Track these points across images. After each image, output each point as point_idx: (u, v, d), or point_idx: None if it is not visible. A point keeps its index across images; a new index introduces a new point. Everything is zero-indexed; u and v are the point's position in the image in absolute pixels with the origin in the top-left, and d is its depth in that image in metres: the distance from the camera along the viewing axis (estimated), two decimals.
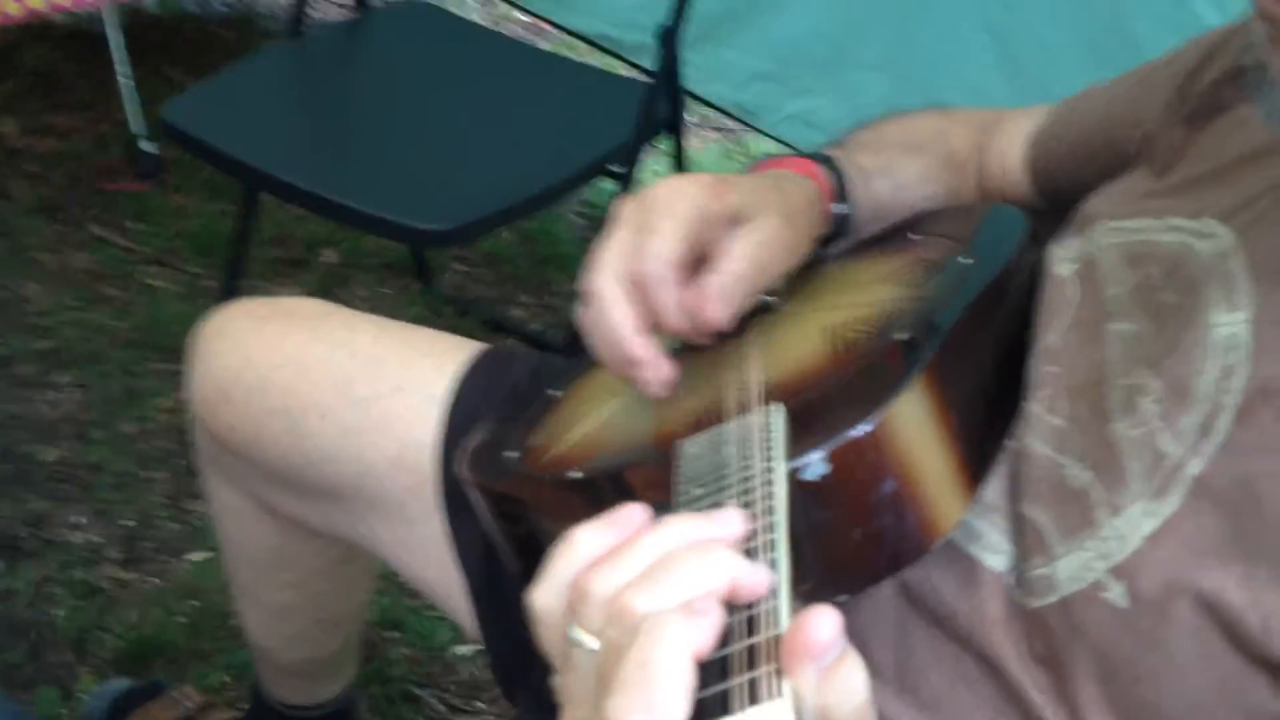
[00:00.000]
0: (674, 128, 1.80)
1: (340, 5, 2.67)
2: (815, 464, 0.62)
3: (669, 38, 1.65)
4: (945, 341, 0.69)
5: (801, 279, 0.81)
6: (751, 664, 0.44)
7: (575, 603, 0.48)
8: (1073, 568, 0.67)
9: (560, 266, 2.21)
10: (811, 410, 0.65)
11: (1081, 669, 0.66)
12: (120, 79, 2.20)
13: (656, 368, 0.71)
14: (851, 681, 0.43)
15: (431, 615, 1.58)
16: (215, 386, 1.03)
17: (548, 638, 0.50)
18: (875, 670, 0.71)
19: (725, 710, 0.43)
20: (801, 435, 0.63)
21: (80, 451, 1.74)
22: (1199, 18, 1.56)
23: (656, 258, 0.71)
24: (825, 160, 0.88)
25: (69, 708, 1.44)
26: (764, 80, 2.17)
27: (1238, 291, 0.68)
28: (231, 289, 1.80)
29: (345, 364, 1.00)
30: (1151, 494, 0.65)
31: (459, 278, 2.18)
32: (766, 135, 2.29)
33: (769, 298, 0.79)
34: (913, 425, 0.65)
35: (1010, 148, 0.97)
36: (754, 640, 0.45)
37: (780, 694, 0.42)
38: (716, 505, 0.56)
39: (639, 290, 0.72)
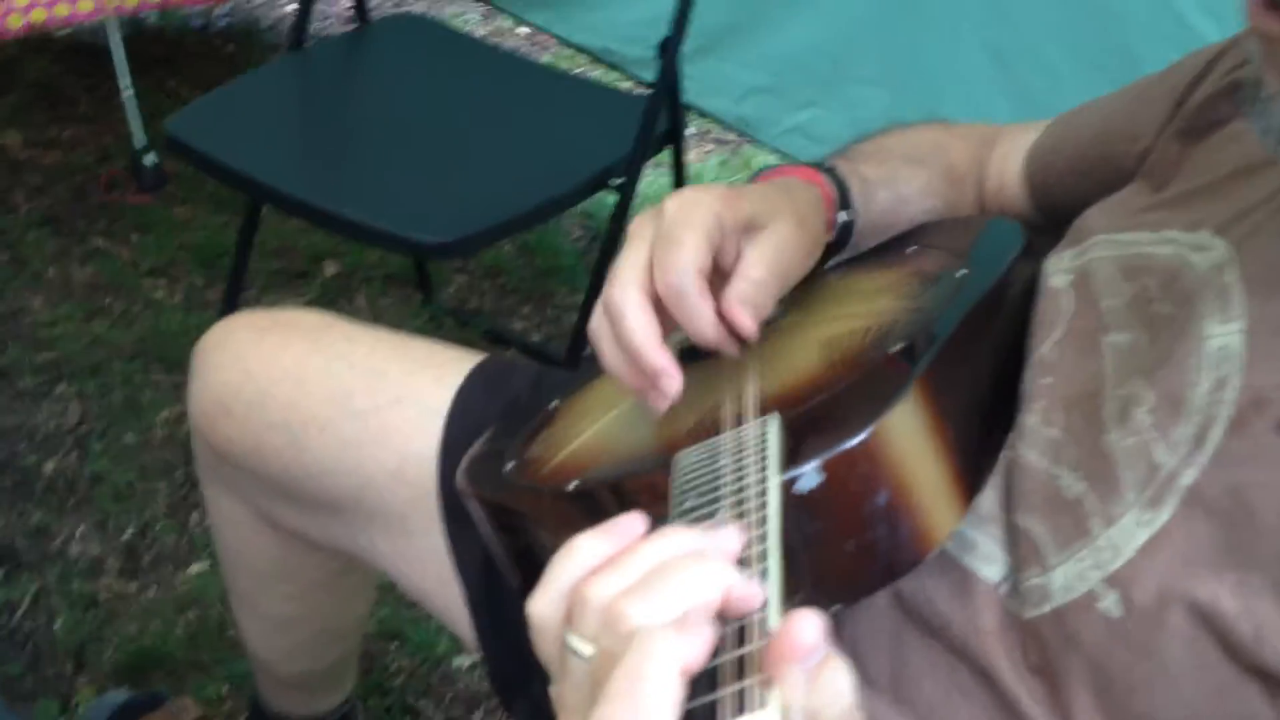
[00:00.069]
0: (674, 141, 1.81)
1: (342, 19, 2.68)
2: (809, 475, 0.63)
3: (669, 51, 1.65)
4: (940, 353, 0.69)
5: (800, 290, 0.82)
6: (740, 674, 0.44)
7: (573, 609, 0.48)
8: (1067, 578, 0.67)
9: (561, 278, 2.22)
10: (807, 421, 0.66)
11: (1076, 679, 0.66)
12: (123, 92, 2.21)
13: (675, 376, 0.71)
14: (837, 684, 0.43)
15: (431, 626, 1.58)
16: (215, 399, 1.03)
17: (545, 646, 0.51)
18: (870, 680, 0.72)
19: None
20: (796, 446, 0.63)
21: (81, 463, 1.75)
22: (1197, 33, 1.57)
23: (685, 270, 0.71)
24: (828, 170, 0.89)
25: (68, 719, 1.44)
26: (764, 93, 2.19)
27: (1232, 303, 0.69)
28: (233, 301, 1.81)
29: (344, 376, 1.00)
30: (1145, 504, 0.66)
31: (460, 289, 2.19)
32: (767, 148, 2.30)
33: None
34: (907, 437, 0.65)
35: (1008, 162, 0.98)
36: (744, 651, 0.46)
37: (766, 704, 0.42)
38: (711, 516, 0.57)
39: (666, 302, 0.72)
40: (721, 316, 0.72)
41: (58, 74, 2.49)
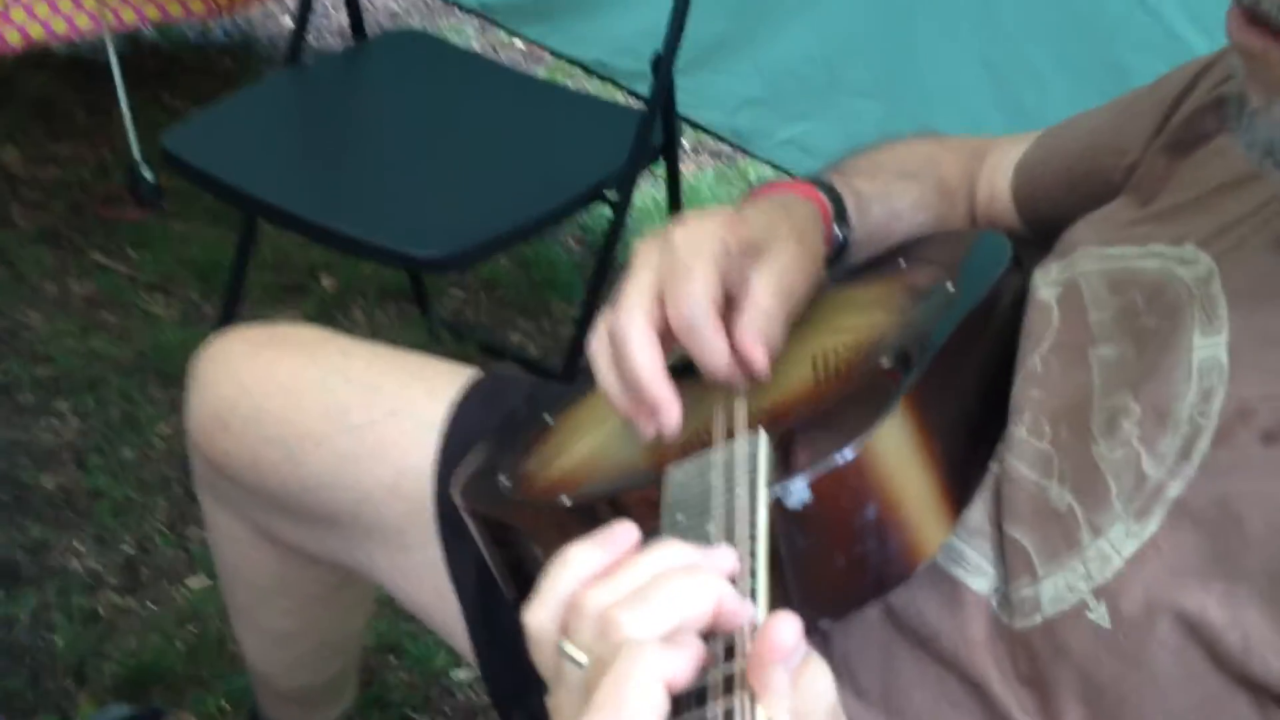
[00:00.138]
0: (669, 153, 1.82)
1: (338, 35, 2.69)
2: (798, 491, 0.63)
3: (663, 65, 1.66)
4: (928, 368, 0.70)
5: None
6: (728, 690, 0.45)
7: (569, 619, 0.50)
8: (1056, 589, 0.68)
9: (557, 292, 2.22)
10: (796, 437, 0.67)
11: (1065, 690, 0.67)
12: (120, 107, 2.22)
13: (675, 411, 0.71)
14: (818, 684, 0.45)
15: (429, 640, 1.58)
16: (212, 414, 1.04)
17: (542, 655, 0.52)
18: (862, 692, 0.73)
19: None
20: (786, 462, 0.64)
21: (80, 478, 1.75)
22: (1186, 45, 1.58)
23: (699, 302, 0.70)
24: (824, 186, 0.89)
25: None
26: (758, 106, 2.19)
27: (1217, 316, 0.70)
28: (230, 315, 1.82)
29: (340, 390, 1.00)
30: (1133, 515, 0.66)
31: (457, 303, 2.20)
32: (761, 160, 2.30)
33: None
34: (895, 452, 0.66)
35: (998, 175, 0.99)
36: (731, 667, 0.47)
37: (755, 718, 0.43)
38: (702, 530, 0.58)
39: (678, 334, 0.71)
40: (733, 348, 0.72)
41: (55, 90, 2.49)
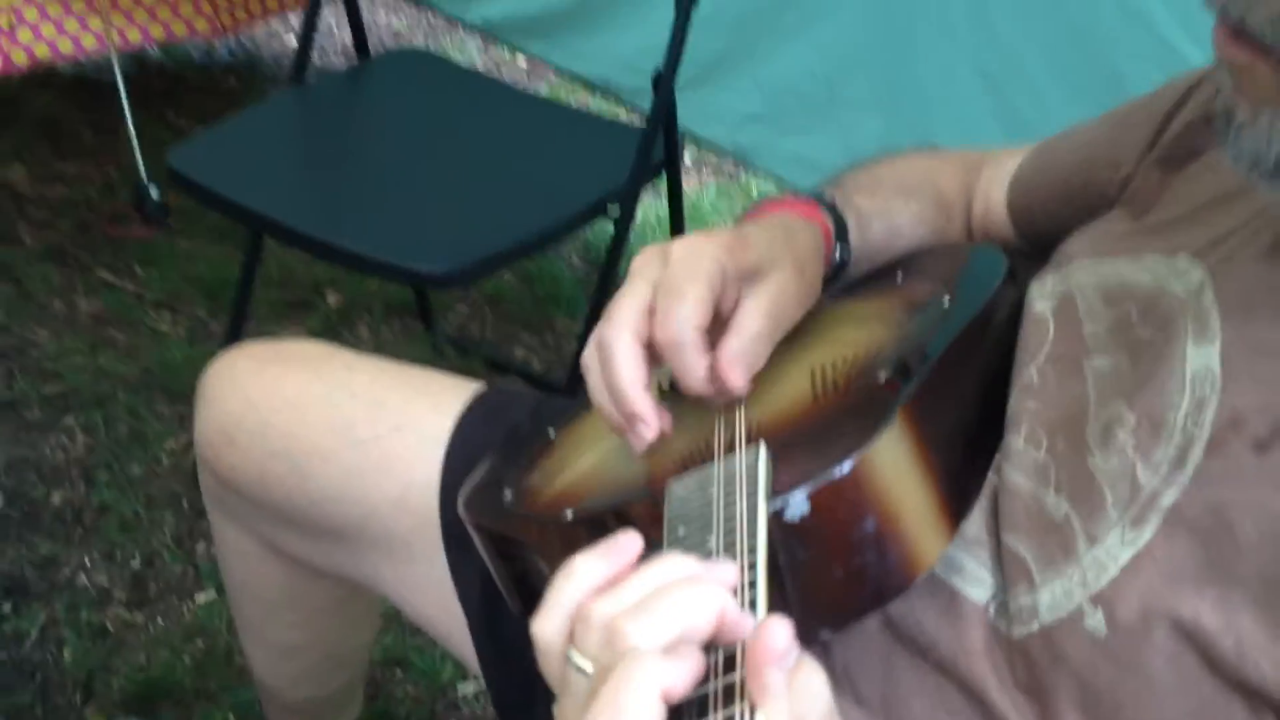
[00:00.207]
0: (671, 169, 1.83)
1: (342, 54, 2.70)
2: (797, 504, 0.64)
3: (664, 82, 1.67)
4: (925, 381, 0.71)
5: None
6: (728, 700, 0.46)
7: (575, 628, 0.51)
8: (1054, 597, 0.69)
9: (561, 307, 2.23)
10: (794, 450, 0.67)
11: (1063, 697, 0.68)
12: (126, 126, 2.23)
13: (652, 424, 0.73)
14: (813, 685, 0.46)
15: (435, 654, 1.59)
16: (219, 429, 1.05)
17: (549, 664, 0.53)
18: (862, 701, 0.73)
19: None
20: (784, 475, 0.65)
21: (88, 494, 1.76)
22: (1181, 56, 1.59)
23: (686, 323, 0.72)
24: (826, 204, 0.90)
25: None
26: (759, 121, 2.21)
27: (1209, 327, 0.71)
28: (237, 332, 1.83)
29: (345, 405, 1.01)
30: (1128, 523, 0.67)
31: (461, 319, 2.21)
32: (764, 175, 2.32)
33: None
34: (892, 464, 0.67)
35: (993, 188, 1.00)
36: (731, 678, 0.48)
37: None
38: (702, 543, 0.59)
39: (663, 351, 0.73)
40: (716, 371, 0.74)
41: (61, 109, 2.50)
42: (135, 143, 2.19)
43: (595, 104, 2.49)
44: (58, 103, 2.51)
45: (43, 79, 2.44)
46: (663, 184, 1.87)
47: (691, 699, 0.47)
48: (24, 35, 2.24)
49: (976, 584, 0.73)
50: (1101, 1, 1.71)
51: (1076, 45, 1.76)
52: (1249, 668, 0.62)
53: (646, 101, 1.71)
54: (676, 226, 1.93)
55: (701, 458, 0.70)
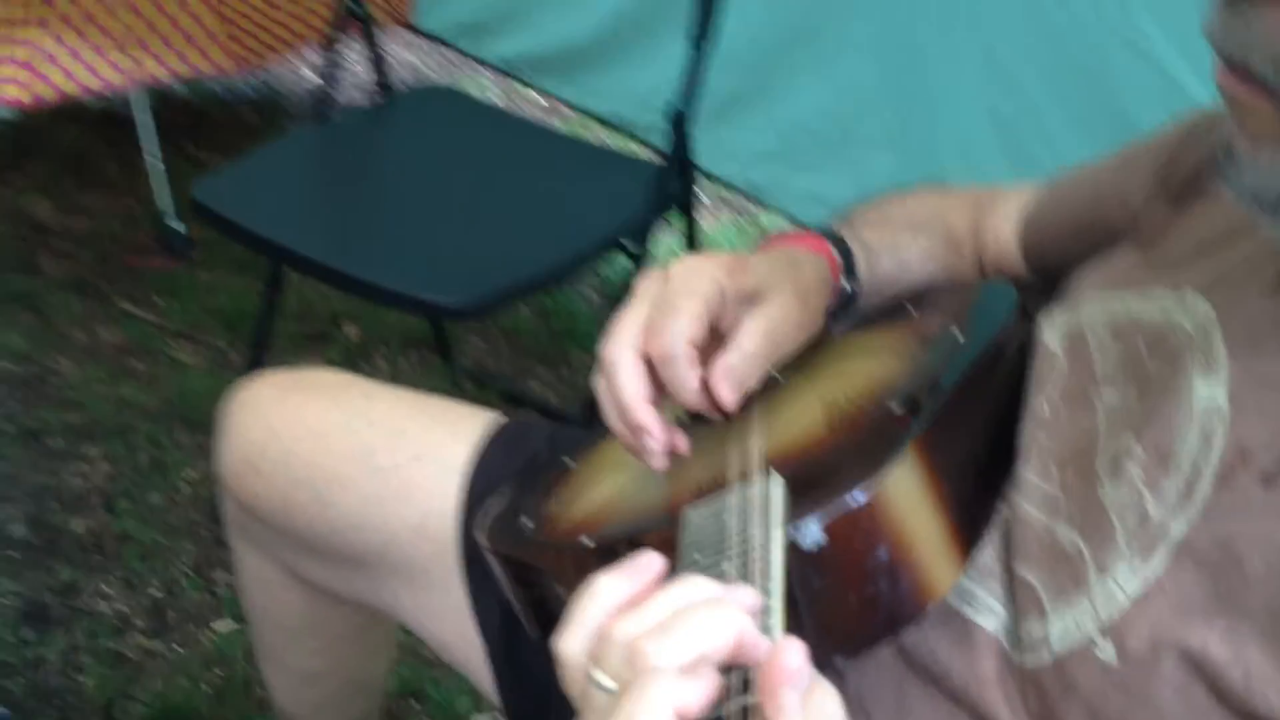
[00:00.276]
0: (686, 205, 1.84)
1: (363, 90, 2.73)
2: (812, 533, 0.65)
3: (680, 120, 1.69)
4: (937, 413, 0.72)
5: (805, 352, 0.84)
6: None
7: (597, 646, 0.52)
8: (1064, 627, 0.69)
9: (577, 341, 2.25)
10: (809, 480, 0.68)
11: None
12: (149, 160, 2.26)
13: (660, 437, 0.75)
14: (827, 707, 0.47)
15: (450, 685, 1.60)
16: (242, 458, 1.06)
17: (571, 680, 0.54)
18: None
19: None
20: (799, 505, 0.66)
21: (108, 522, 1.77)
22: (1189, 96, 1.60)
23: (677, 337, 0.75)
24: (835, 239, 0.92)
25: None
26: (773, 159, 2.22)
27: (1216, 361, 0.72)
28: (257, 363, 1.85)
29: (365, 433, 1.03)
30: (1137, 555, 0.68)
31: (478, 352, 2.22)
32: (778, 211, 2.33)
33: (773, 373, 0.83)
34: (906, 494, 0.68)
35: (1004, 226, 1.01)
36: (746, 699, 0.49)
37: None
38: (717, 570, 0.60)
39: (656, 365, 0.75)
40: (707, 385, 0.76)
41: (87, 143, 2.54)
42: (158, 176, 2.22)
43: (610, 140, 2.52)
44: (84, 137, 2.54)
45: (71, 113, 2.47)
46: (678, 220, 1.89)
47: (708, 718, 0.49)
48: (50, 70, 2.28)
49: (988, 614, 0.74)
50: (1110, 42, 1.73)
51: (1085, 85, 1.78)
52: (1256, 699, 0.63)
53: (660, 138, 1.73)
54: None
55: (717, 487, 0.71)
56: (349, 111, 2.34)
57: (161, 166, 2.26)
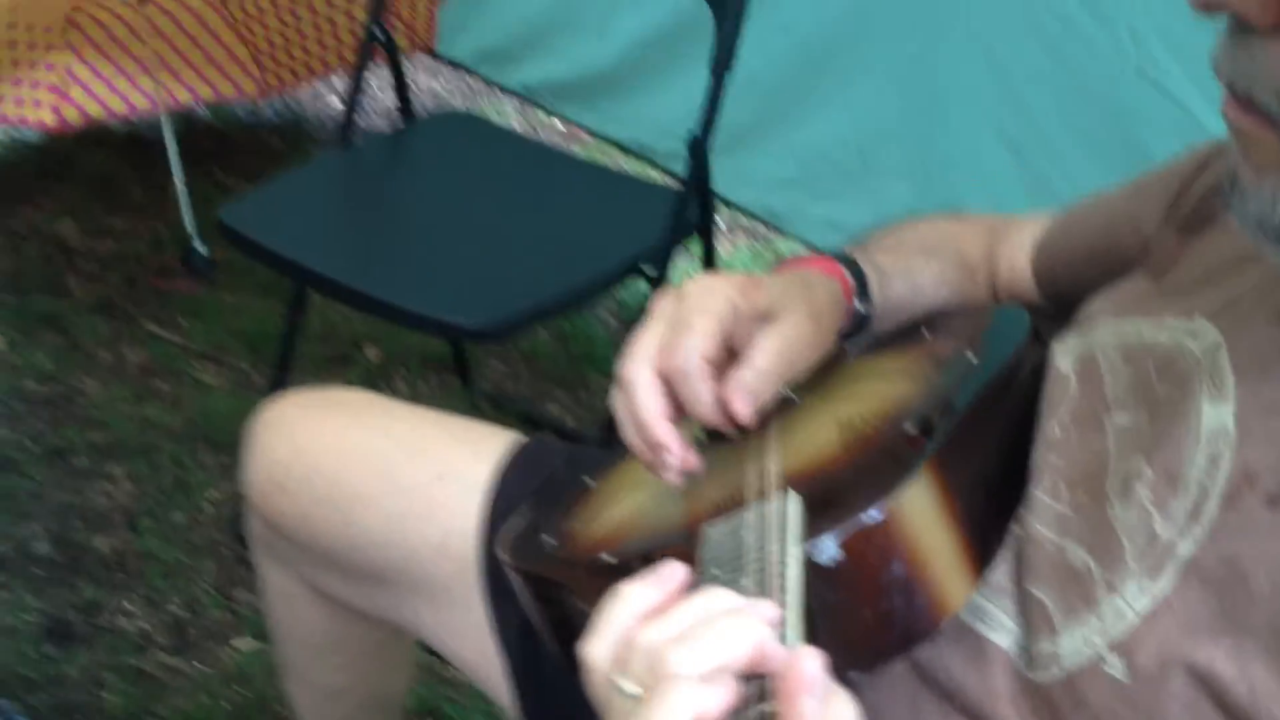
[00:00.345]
0: (704, 231, 1.86)
1: (385, 115, 2.76)
2: (829, 549, 0.66)
3: (699, 147, 1.71)
4: (951, 433, 0.73)
5: (820, 373, 0.86)
6: None
7: (622, 652, 0.54)
8: (1075, 643, 0.70)
9: (595, 365, 2.26)
10: (826, 498, 0.70)
11: None
12: (175, 183, 2.29)
13: (677, 453, 0.76)
14: (844, 715, 0.48)
15: (468, 704, 1.60)
16: (268, 476, 1.08)
17: (596, 684, 0.56)
18: None
19: None
20: (816, 522, 0.67)
21: (132, 541, 1.79)
22: (1200, 124, 1.62)
23: (691, 353, 0.76)
24: (848, 260, 0.94)
25: None
26: (791, 186, 2.24)
27: (1224, 385, 0.73)
28: (279, 384, 1.87)
29: (388, 452, 1.05)
30: (1146, 574, 0.69)
31: (497, 376, 2.23)
32: (795, 238, 2.35)
33: (789, 393, 0.85)
34: (920, 512, 0.69)
35: (1017, 253, 1.03)
36: (764, 708, 0.51)
37: None
38: (736, 585, 0.61)
39: (671, 381, 0.77)
40: (722, 400, 0.77)
41: (113, 166, 2.56)
42: (183, 199, 2.25)
43: (628, 166, 2.54)
44: (110, 160, 2.57)
45: (97, 137, 2.50)
46: (696, 246, 1.91)
47: None
48: (77, 94, 2.32)
49: (1001, 630, 0.75)
50: (1124, 72, 1.75)
51: (1100, 115, 1.79)
52: (1262, 714, 0.64)
53: (679, 164, 1.75)
54: None
55: (735, 504, 0.72)
56: (372, 136, 2.37)
57: (187, 190, 2.28)
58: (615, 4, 2.45)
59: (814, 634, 0.67)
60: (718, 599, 0.56)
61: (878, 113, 2.09)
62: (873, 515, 0.67)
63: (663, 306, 0.80)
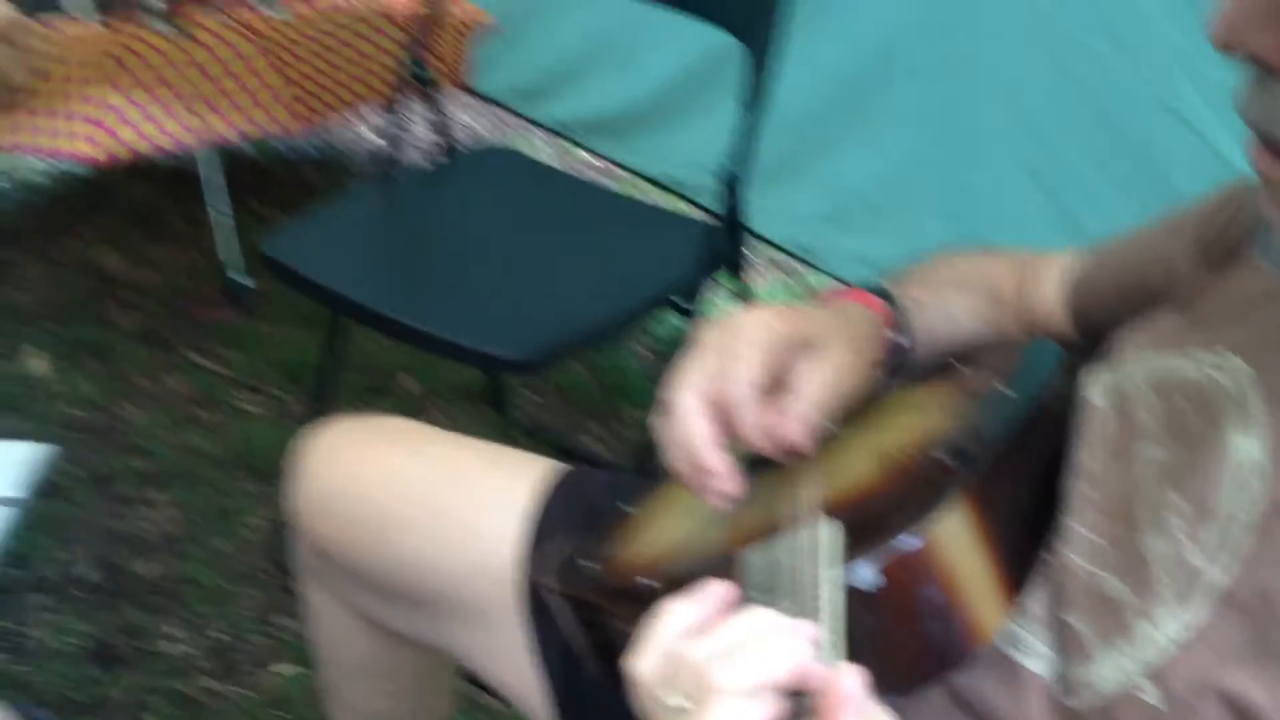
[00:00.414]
0: (736, 265, 1.88)
1: (420, 149, 2.80)
2: (867, 576, 0.69)
3: (732, 181, 1.73)
4: (986, 463, 0.75)
5: (858, 406, 0.88)
6: None
7: (668, 667, 0.56)
8: (1110, 671, 0.72)
9: (628, 398, 2.27)
10: (865, 525, 0.71)
11: None
12: (215, 215, 2.32)
13: (725, 479, 0.79)
14: None
15: None
16: (313, 501, 1.11)
17: (643, 698, 0.58)
18: None
19: None
20: (855, 548, 0.69)
21: (175, 566, 1.81)
22: (1227, 161, 1.63)
23: (740, 381, 0.79)
24: (884, 293, 0.96)
25: None
26: (823, 222, 2.25)
27: (1254, 419, 0.74)
28: (318, 413, 1.89)
29: (429, 477, 1.07)
30: (1179, 603, 0.71)
31: (532, 408, 2.25)
32: (825, 273, 2.36)
33: (829, 425, 0.87)
34: (956, 540, 0.71)
35: (1048, 288, 1.05)
36: None
37: None
38: (775, 608, 0.63)
39: (719, 408, 0.80)
40: (775, 427, 0.79)
41: (156, 198, 2.60)
42: (224, 231, 2.28)
43: (661, 200, 2.56)
44: (154, 193, 2.61)
45: (141, 169, 2.53)
46: (728, 279, 1.93)
47: None
48: (123, 130, 2.35)
49: (1036, 657, 0.76)
50: (1151, 109, 1.76)
51: (1127, 151, 1.80)
52: None
53: (711, 199, 1.76)
54: None
55: (774, 531, 0.74)
56: (412, 171, 2.40)
57: (228, 222, 2.32)
58: (647, 41, 2.47)
59: (853, 658, 0.69)
60: (761, 618, 0.58)
61: (908, 149, 2.10)
62: (911, 542, 0.69)
63: (709, 336, 0.83)
